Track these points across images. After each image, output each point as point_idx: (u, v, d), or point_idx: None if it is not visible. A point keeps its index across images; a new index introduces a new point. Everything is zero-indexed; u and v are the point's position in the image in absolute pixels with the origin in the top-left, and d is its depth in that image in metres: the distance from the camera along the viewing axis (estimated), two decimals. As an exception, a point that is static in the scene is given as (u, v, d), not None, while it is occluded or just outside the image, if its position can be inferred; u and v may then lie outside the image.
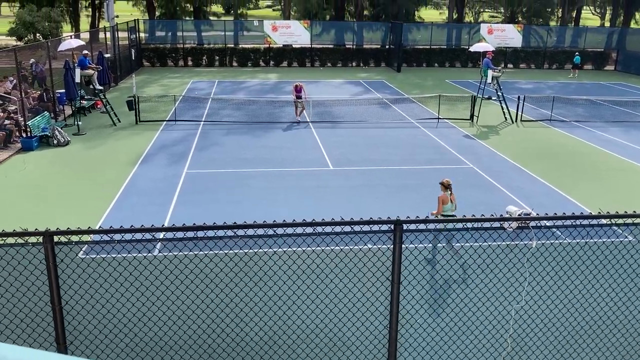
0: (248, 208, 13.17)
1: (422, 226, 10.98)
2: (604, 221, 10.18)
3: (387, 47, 42.47)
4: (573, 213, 5.09)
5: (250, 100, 25.67)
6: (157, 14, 50.57)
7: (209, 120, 22.48)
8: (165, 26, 42.92)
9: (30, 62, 28.08)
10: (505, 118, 24.25)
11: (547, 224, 10.06)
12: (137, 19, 39.28)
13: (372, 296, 6.10)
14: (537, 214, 8.55)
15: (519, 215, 10.40)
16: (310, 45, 40.41)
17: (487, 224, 7.10)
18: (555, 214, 5.32)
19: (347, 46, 42.63)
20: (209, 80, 32.96)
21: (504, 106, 24.38)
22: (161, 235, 8.34)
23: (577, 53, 42.46)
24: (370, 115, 24.07)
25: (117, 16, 35.30)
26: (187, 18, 49.61)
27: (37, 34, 35.94)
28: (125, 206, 13.28)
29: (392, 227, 4.98)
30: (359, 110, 24.69)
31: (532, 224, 5.94)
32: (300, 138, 20.38)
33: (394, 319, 4.94)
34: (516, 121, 23.99)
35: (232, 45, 40.87)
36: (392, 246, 4.98)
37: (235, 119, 22.74)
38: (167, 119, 22.33)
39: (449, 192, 9.96)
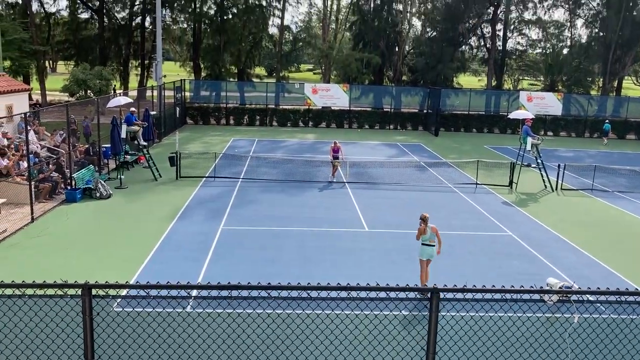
0: (282, 268, 13.01)
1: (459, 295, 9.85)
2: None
3: (425, 111, 41.88)
4: (617, 288, 4.85)
5: (287, 159, 25.35)
6: (203, 74, 51.81)
7: (247, 177, 22.29)
8: (209, 86, 43.84)
9: (71, 117, 27.69)
10: (545, 186, 23.76)
11: (590, 298, 9.84)
12: (183, 79, 40.29)
13: (406, 365, 5.96)
14: (579, 287, 8.52)
15: (559, 287, 10.20)
16: (348, 108, 40.41)
17: (526, 296, 6.99)
18: (599, 288, 5.72)
19: (384, 109, 42.09)
20: (249, 139, 32.71)
21: (544, 174, 23.90)
22: (195, 292, 8.00)
23: (607, 121, 42.11)
24: (407, 177, 23.22)
25: (165, 76, 37.04)
26: (231, 79, 50.07)
27: (89, 91, 36.56)
28: (161, 260, 13.32)
29: (429, 294, 4.99)
30: (395, 173, 23.85)
31: (574, 297, 5.80)
32: (336, 198, 19.90)
33: (428, 391, 5.33)
34: (556, 189, 23.44)
35: (273, 106, 41.07)
36: (427, 314, 4.93)
37: (272, 177, 22.47)
38: (206, 176, 22.23)
39: (426, 225, 11.70)
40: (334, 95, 39.74)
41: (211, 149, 27.57)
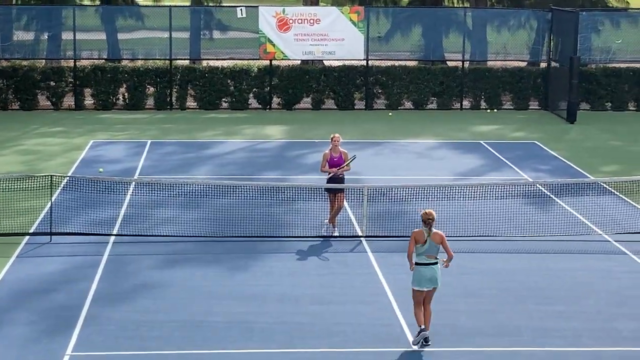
0: None
1: None
2: None
3: (544, 65, 36.31)
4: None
5: (222, 185, 23.57)
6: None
7: (127, 231, 18.39)
8: (35, 18, 34.85)
9: None
10: None
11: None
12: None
13: None
14: None
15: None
16: (364, 61, 34.55)
17: None
18: None
19: (448, 62, 37.00)
20: (131, 141, 29.35)
21: None
22: None
23: None
24: (505, 223, 19.85)
25: None
26: (87, 2, 42.33)
27: None
28: None
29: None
30: (476, 212, 21.39)
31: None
32: (342, 276, 16.15)
33: None
34: None
35: (187, 61, 35.25)
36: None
37: (187, 230, 19.53)
38: (31, 232, 17.16)
39: (427, 229, 12.55)
40: (329, 34, 34.27)
41: (41, 166, 24.84)
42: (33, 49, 35.99)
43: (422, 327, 12.78)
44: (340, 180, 19.21)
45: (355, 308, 15.69)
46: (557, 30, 36.58)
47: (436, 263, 13.34)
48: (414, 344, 12.48)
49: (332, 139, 19.39)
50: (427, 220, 13.14)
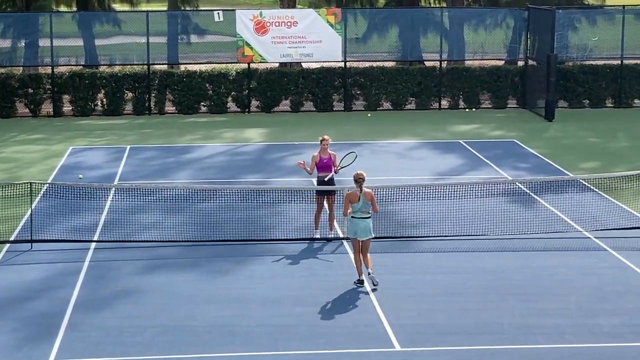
0: None
1: None
2: None
3: (522, 64, 36.48)
4: None
5: (203, 189, 23.23)
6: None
7: (108, 238, 17.27)
8: (11, 26, 34.68)
9: None
10: None
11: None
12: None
13: None
14: None
15: None
16: (342, 63, 34.58)
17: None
18: None
19: (426, 62, 37.32)
20: (110, 147, 29.07)
21: None
22: None
23: None
24: (485, 221, 20.30)
25: None
26: (63, 8, 42.04)
27: None
28: None
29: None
30: (455, 211, 21.07)
31: None
32: (325, 277, 16.19)
33: None
34: None
35: (165, 66, 35.37)
36: None
37: (168, 235, 19.48)
38: (12, 239, 18.21)
39: (359, 188, 14.83)
40: (306, 37, 34.35)
41: (20, 174, 24.64)
42: (10, 57, 35.93)
43: (361, 277, 14.75)
44: (330, 182, 19.33)
45: (338, 309, 15.76)
46: (534, 28, 36.66)
47: (369, 217, 15.36)
48: (355, 282, 14.89)
49: (321, 141, 19.26)
50: (359, 180, 15.02)
